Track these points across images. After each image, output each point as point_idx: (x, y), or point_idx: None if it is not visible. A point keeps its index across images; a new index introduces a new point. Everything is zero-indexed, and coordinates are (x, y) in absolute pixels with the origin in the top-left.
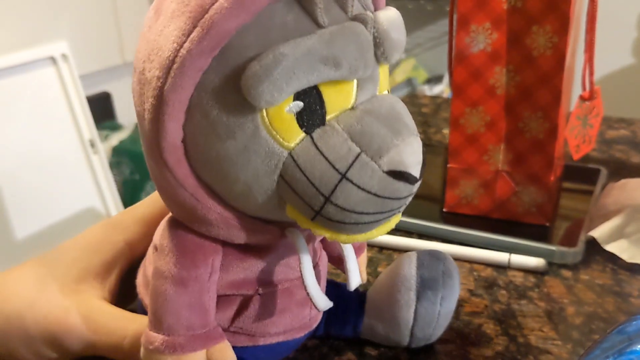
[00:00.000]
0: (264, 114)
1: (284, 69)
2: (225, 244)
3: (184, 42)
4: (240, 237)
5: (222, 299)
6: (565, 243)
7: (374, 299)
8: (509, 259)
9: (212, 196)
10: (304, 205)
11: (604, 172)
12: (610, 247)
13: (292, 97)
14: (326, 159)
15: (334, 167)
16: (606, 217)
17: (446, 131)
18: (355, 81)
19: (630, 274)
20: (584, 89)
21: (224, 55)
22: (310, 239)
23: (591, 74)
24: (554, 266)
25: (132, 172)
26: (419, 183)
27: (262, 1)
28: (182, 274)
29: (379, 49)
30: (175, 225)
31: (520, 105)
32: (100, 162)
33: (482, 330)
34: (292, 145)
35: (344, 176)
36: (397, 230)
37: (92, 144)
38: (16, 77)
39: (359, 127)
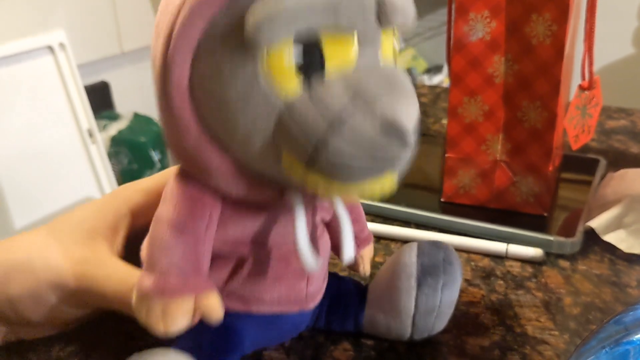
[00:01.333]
0: (265, 60)
1: (286, 8)
2: (224, 199)
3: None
4: (239, 189)
5: (216, 258)
6: (563, 233)
7: (375, 289)
8: (507, 249)
9: (214, 143)
10: (297, 151)
11: (603, 162)
12: (608, 238)
13: (292, 43)
14: (321, 105)
15: (328, 112)
16: (605, 207)
17: (445, 121)
18: (355, 42)
19: (628, 264)
20: (583, 78)
21: (227, 6)
22: (309, 205)
23: (590, 63)
24: (551, 256)
25: (131, 161)
26: (412, 144)
27: None
28: (180, 220)
29: (381, 9)
30: (180, 175)
31: (519, 94)
32: (99, 151)
33: (479, 320)
34: (290, 92)
35: (336, 122)
36: (394, 220)
37: (91, 134)
38: (13, 67)
39: (355, 79)
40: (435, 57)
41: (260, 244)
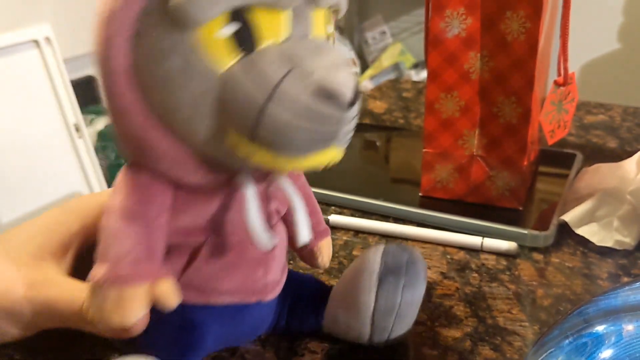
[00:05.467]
0: (197, 36)
1: None
2: (175, 187)
3: None
4: (188, 174)
5: (171, 250)
6: (537, 227)
7: (338, 288)
8: (482, 243)
9: (160, 127)
10: (239, 126)
11: (579, 156)
12: (581, 231)
13: (224, 19)
14: (256, 78)
15: (263, 85)
16: (578, 201)
17: None
18: (289, 17)
19: (600, 256)
20: (559, 74)
21: None
22: (262, 192)
23: (565, 59)
24: (525, 249)
25: (118, 156)
26: (354, 109)
27: None
28: (131, 208)
29: None
30: (129, 166)
31: (495, 90)
32: (86, 146)
33: (452, 312)
34: (225, 67)
35: (273, 92)
36: (372, 214)
37: (77, 128)
38: None
39: (288, 51)
40: (423, 52)
41: (214, 232)
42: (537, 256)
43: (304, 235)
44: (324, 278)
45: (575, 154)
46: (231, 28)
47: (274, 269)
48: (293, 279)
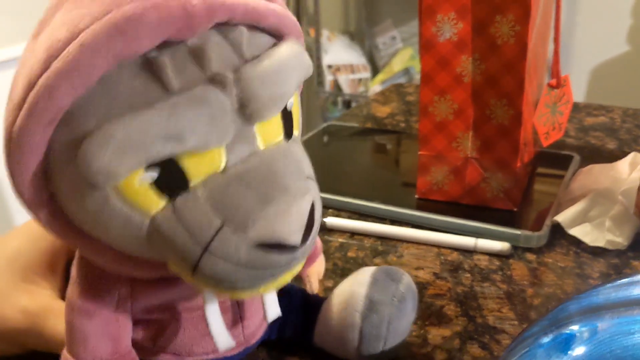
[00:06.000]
0: (114, 185)
1: (115, 149)
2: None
3: (17, 116)
4: (143, 274)
5: (140, 322)
6: (531, 227)
7: (326, 311)
8: (475, 243)
9: (99, 245)
10: (177, 266)
11: (576, 158)
12: (573, 231)
13: (142, 169)
14: (187, 230)
15: (195, 239)
16: (573, 201)
17: None
18: (222, 152)
19: (592, 256)
20: (552, 76)
21: (67, 123)
22: None
23: (557, 62)
24: (519, 250)
25: None
26: (306, 246)
27: (92, 74)
28: (87, 305)
29: (245, 110)
30: (82, 256)
31: (487, 92)
32: None
33: (443, 312)
34: (153, 212)
35: (205, 250)
36: (368, 216)
37: None
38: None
39: (223, 197)
40: None
41: (181, 309)
42: (530, 256)
43: (272, 313)
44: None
45: (572, 156)
46: (152, 175)
47: (252, 320)
48: (283, 293)
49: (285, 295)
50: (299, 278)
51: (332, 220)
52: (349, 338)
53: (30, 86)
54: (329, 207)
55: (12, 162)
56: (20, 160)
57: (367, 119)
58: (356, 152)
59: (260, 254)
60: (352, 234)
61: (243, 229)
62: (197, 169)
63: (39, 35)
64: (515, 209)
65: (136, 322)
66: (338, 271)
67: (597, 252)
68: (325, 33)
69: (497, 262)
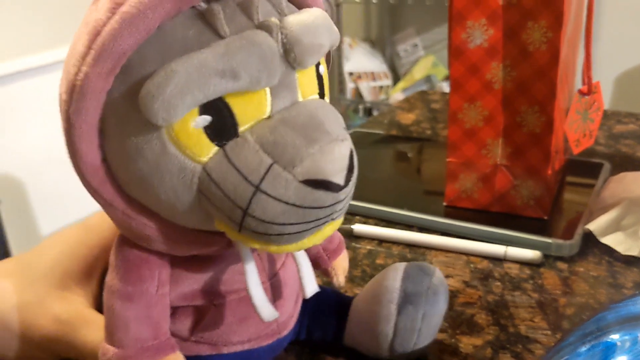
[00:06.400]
0: (170, 130)
1: (176, 85)
2: (171, 257)
3: (81, 65)
4: (183, 250)
5: (178, 310)
6: (562, 236)
7: (357, 308)
8: (505, 252)
9: (145, 212)
10: (226, 218)
11: (607, 166)
12: (606, 240)
13: (197, 111)
14: (239, 172)
15: (246, 179)
16: (604, 210)
17: None
18: (267, 90)
19: (626, 265)
20: (583, 83)
21: (126, 73)
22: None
23: (588, 68)
24: (550, 258)
25: None
26: (347, 189)
27: (154, 19)
28: (128, 289)
29: (290, 54)
30: (122, 240)
31: (517, 99)
32: None
33: (474, 320)
34: (205, 159)
35: (257, 188)
36: (396, 224)
37: None
38: (39, 78)
39: (271, 137)
40: None
41: (219, 292)
42: (562, 265)
43: (310, 289)
44: (347, 286)
45: (602, 164)
46: (205, 118)
47: (285, 308)
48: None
49: (315, 296)
50: (325, 274)
51: (359, 227)
52: (383, 331)
53: (96, 34)
54: (356, 214)
55: (74, 112)
56: (81, 109)
57: (392, 126)
58: (381, 159)
59: (307, 190)
60: (380, 241)
61: (291, 166)
62: (245, 114)
63: None
64: (545, 217)
65: (173, 311)
66: (367, 278)
67: (631, 261)
68: (346, 40)
69: (527, 271)
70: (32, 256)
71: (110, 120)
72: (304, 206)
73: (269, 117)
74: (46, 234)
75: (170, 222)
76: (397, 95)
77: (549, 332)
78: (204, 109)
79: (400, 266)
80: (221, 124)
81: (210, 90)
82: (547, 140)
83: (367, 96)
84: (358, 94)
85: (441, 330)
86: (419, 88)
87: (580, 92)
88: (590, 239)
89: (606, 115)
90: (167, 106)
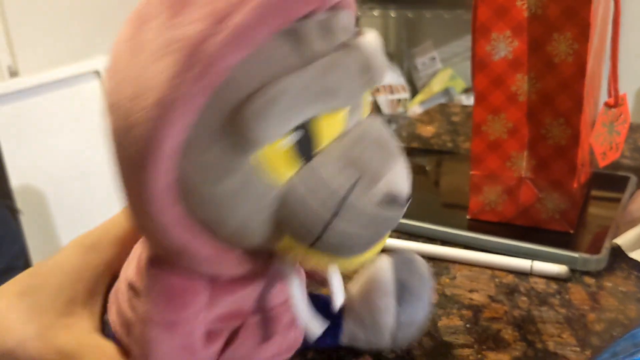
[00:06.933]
0: (261, 153)
1: (286, 104)
2: (212, 279)
3: (179, 82)
4: (230, 270)
5: (210, 333)
6: (589, 250)
7: (353, 306)
8: (531, 266)
9: (203, 235)
10: (303, 233)
11: (633, 179)
12: (634, 255)
13: (289, 135)
14: (324, 186)
15: (333, 194)
16: (632, 224)
17: None
18: (347, 112)
19: None
20: (609, 95)
21: (222, 92)
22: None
23: (615, 80)
24: (577, 273)
25: None
26: (407, 206)
27: (262, 34)
28: (172, 317)
29: (367, 74)
30: (158, 266)
31: (542, 111)
32: None
33: (501, 336)
34: (289, 177)
35: (344, 201)
36: (420, 237)
37: None
38: (62, 91)
39: (354, 152)
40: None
41: (252, 312)
42: (589, 280)
43: (340, 301)
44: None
45: (629, 177)
46: (293, 138)
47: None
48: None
49: (312, 300)
50: (320, 284)
51: None
52: (384, 324)
53: (199, 47)
54: None
55: (164, 132)
56: (173, 130)
57: (412, 139)
58: None
59: (385, 204)
60: None
61: (376, 179)
62: (329, 130)
63: (178, 13)
64: (571, 231)
65: (205, 334)
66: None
67: None
68: None
69: (554, 286)
70: (38, 281)
71: (196, 140)
72: (381, 219)
73: (344, 133)
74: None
75: (225, 244)
76: (415, 108)
77: (577, 349)
78: (294, 128)
79: (385, 259)
80: (307, 142)
81: (312, 110)
82: (573, 152)
83: (385, 109)
84: (376, 106)
85: (467, 346)
86: (437, 101)
87: (607, 105)
88: (617, 254)
89: (631, 128)
90: (274, 125)
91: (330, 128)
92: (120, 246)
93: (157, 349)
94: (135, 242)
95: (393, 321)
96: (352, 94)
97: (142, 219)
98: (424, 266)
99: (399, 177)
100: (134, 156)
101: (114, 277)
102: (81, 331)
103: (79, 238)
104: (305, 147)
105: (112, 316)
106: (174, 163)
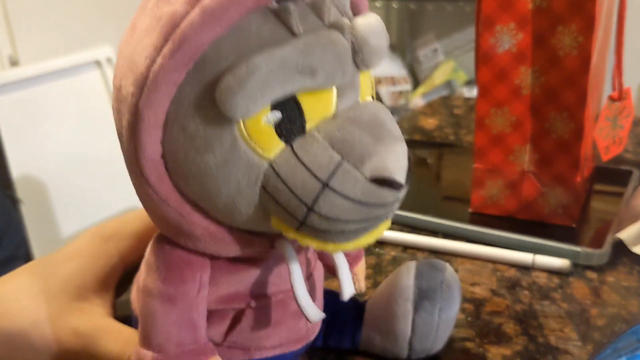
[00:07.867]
0: (242, 125)
1: (258, 80)
2: (213, 258)
3: (156, 57)
4: (228, 250)
5: (213, 314)
6: (591, 244)
7: (372, 310)
8: (533, 260)
9: (197, 210)
10: (287, 215)
11: (636, 173)
12: (637, 249)
13: (269, 107)
14: (307, 168)
15: (315, 176)
16: (635, 218)
17: None
18: (334, 89)
19: None
20: (613, 89)
21: (199, 68)
22: (300, 248)
23: (619, 74)
24: (579, 267)
25: None
26: (405, 189)
27: (234, 14)
28: (170, 290)
29: (358, 55)
30: (162, 241)
31: (546, 105)
32: None
33: (502, 330)
34: (272, 155)
35: (326, 185)
36: (422, 230)
37: None
38: (63, 81)
39: (339, 134)
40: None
41: (256, 295)
42: (591, 275)
43: (348, 292)
44: (369, 292)
45: (631, 171)
46: (276, 114)
47: (318, 306)
48: (329, 298)
49: (332, 300)
50: (329, 272)
51: (384, 233)
52: (400, 330)
53: (173, 26)
54: None
55: (145, 104)
56: (153, 101)
57: (414, 131)
58: None
59: (373, 188)
60: (405, 247)
61: (360, 163)
62: (314, 111)
63: None
64: (573, 225)
65: (208, 315)
66: (369, 296)
67: None
68: None
69: (556, 280)
70: (49, 266)
71: (178, 114)
72: (369, 203)
73: (334, 115)
74: (67, 235)
75: (220, 222)
76: (416, 100)
77: (579, 344)
78: (276, 105)
79: (412, 264)
80: (290, 120)
81: (289, 87)
82: (577, 147)
83: (387, 101)
84: (378, 98)
85: (468, 339)
86: (439, 93)
87: (611, 98)
88: (620, 248)
89: (634, 122)
90: (246, 101)
91: (317, 108)
92: (136, 239)
93: (158, 321)
94: (151, 237)
95: (410, 329)
96: (336, 74)
97: (142, 192)
98: (450, 275)
99: (389, 161)
100: (126, 135)
101: (127, 269)
102: (95, 315)
103: (97, 228)
104: (289, 126)
105: (133, 294)
106: (160, 135)
